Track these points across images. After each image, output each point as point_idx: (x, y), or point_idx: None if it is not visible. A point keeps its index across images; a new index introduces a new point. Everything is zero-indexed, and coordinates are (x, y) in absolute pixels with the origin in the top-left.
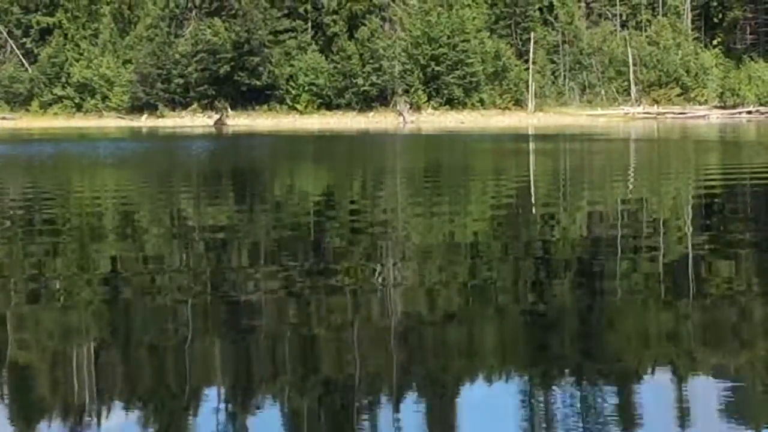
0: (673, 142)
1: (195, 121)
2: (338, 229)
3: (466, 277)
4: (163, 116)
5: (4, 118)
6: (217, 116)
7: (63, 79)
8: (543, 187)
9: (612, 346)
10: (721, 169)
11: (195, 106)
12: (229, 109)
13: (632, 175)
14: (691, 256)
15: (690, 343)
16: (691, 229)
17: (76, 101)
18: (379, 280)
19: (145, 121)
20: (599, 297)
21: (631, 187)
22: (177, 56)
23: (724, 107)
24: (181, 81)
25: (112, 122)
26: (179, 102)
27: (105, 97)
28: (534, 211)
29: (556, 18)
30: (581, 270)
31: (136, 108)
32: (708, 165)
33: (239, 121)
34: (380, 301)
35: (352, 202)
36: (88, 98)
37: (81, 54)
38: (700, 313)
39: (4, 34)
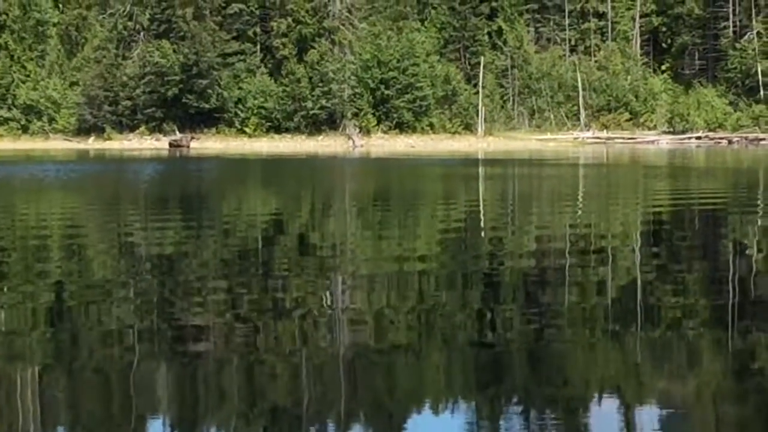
0: (622, 168)
1: (143, 144)
2: (286, 254)
3: (413, 304)
4: (110, 138)
5: None
6: (176, 138)
7: (9, 101)
8: (492, 212)
9: (559, 372)
10: (669, 194)
11: (143, 128)
12: (191, 134)
13: (581, 200)
14: (639, 282)
15: (637, 370)
16: (638, 255)
17: (22, 123)
18: (327, 305)
19: (92, 144)
20: (547, 323)
21: (580, 212)
22: (125, 78)
23: (673, 132)
24: (129, 103)
25: (58, 144)
26: (127, 124)
27: (52, 119)
28: (483, 236)
29: (504, 42)
30: (529, 296)
31: (83, 130)
32: (657, 190)
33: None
34: (328, 327)
35: (301, 227)
36: (35, 120)
37: (27, 75)
38: (646, 340)
39: None
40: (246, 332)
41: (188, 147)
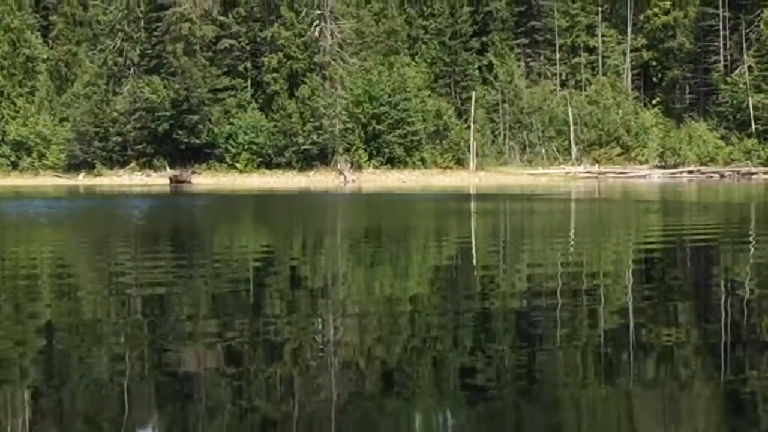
0: (614, 202)
1: (133, 180)
2: (277, 292)
3: (404, 342)
4: (100, 174)
5: None
6: (177, 173)
7: None
8: (484, 248)
9: (552, 414)
10: (661, 229)
11: (133, 164)
12: (191, 168)
13: (573, 236)
14: (631, 319)
15: (629, 410)
16: (630, 292)
17: (12, 159)
18: (317, 344)
19: (82, 180)
20: (539, 362)
21: (572, 248)
22: (115, 114)
23: (665, 167)
24: (119, 139)
25: (48, 181)
26: (117, 160)
27: (41, 156)
28: (475, 273)
29: (495, 77)
30: (521, 334)
31: (73, 166)
32: (649, 225)
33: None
34: (318, 366)
35: (292, 264)
36: (25, 156)
37: (17, 112)
38: (639, 378)
39: None
40: (236, 371)
41: (190, 182)
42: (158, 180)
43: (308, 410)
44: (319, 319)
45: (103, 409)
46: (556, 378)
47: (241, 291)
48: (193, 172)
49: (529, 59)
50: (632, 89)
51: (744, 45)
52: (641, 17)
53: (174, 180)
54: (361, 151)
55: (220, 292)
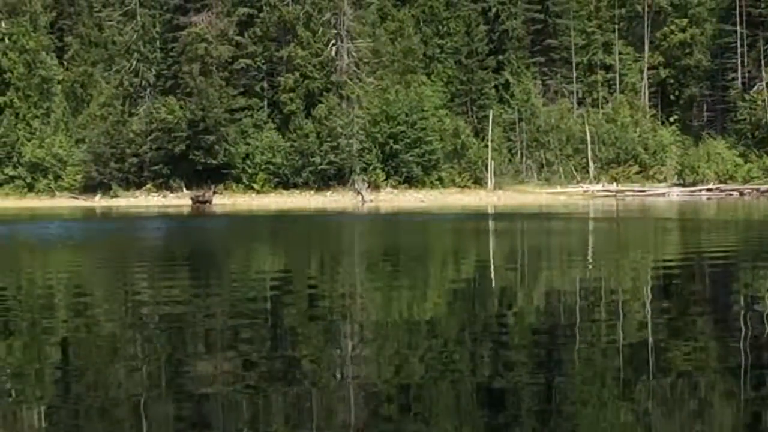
0: (633, 221)
1: (150, 201)
2: (295, 312)
3: (424, 360)
4: (117, 196)
5: None
6: (199, 193)
7: (14, 159)
8: (503, 267)
9: (569, 423)
10: (680, 248)
11: (149, 185)
12: (212, 188)
13: (592, 255)
14: (649, 337)
15: (648, 422)
16: (649, 311)
17: (28, 181)
18: (337, 363)
19: (98, 201)
20: (557, 379)
21: (590, 267)
22: (131, 135)
23: (683, 185)
24: (136, 160)
25: (64, 202)
26: (133, 181)
27: (57, 177)
28: (493, 292)
29: (512, 96)
30: (540, 352)
31: (90, 188)
32: (668, 244)
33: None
34: (337, 386)
35: (310, 284)
36: (41, 178)
37: (33, 133)
38: (658, 396)
39: None
40: (254, 392)
41: (211, 202)
42: (175, 201)
43: (327, 422)
44: (338, 340)
45: (118, 429)
46: (575, 400)
47: (258, 309)
48: (215, 192)
49: (545, 77)
50: (650, 107)
51: (762, 62)
52: (658, 35)
53: (195, 200)
54: (378, 171)
55: (237, 312)
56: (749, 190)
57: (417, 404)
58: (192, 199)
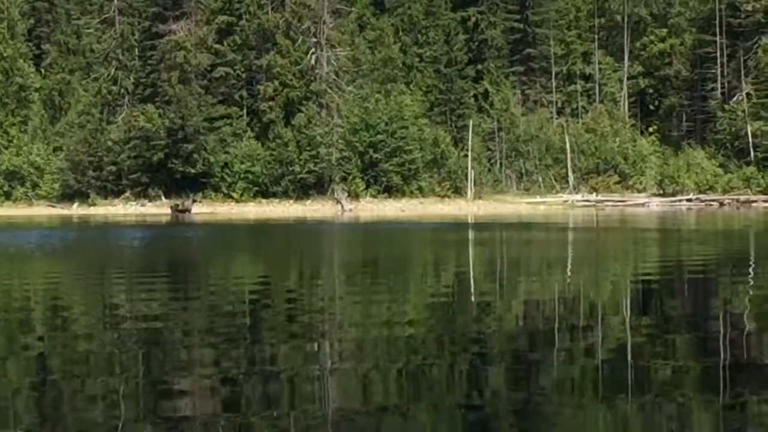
0: (612, 231)
1: (128, 209)
2: (273, 321)
3: (401, 369)
4: (95, 204)
5: None
6: (179, 201)
7: None
8: (482, 278)
9: None
10: (659, 259)
11: (128, 193)
12: (192, 196)
13: (571, 265)
14: (628, 348)
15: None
16: (628, 322)
17: (5, 189)
18: (314, 372)
19: (76, 210)
20: (535, 389)
21: (569, 278)
22: (109, 143)
23: (663, 195)
24: (114, 168)
25: (42, 211)
26: (111, 190)
27: (35, 185)
28: (472, 303)
29: (491, 105)
30: (518, 363)
31: (67, 196)
32: (647, 255)
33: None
34: (315, 393)
35: (289, 293)
36: (18, 186)
37: (10, 141)
38: (636, 406)
39: None
40: (232, 406)
41: (191, 211)
42: (153, 209)
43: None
44: (316, 357)
45: None
46: (554, 417)
47: (237, 318)
48: (194, 201)
49: (524, 87)
50: (629, 117)
51: (741, 72)
52: (637, 44)
53: (175, 209)
54: (358, 180)
55: (215, 325)
56: (729, 201)
57: (397, 426)
58: (171, 207)
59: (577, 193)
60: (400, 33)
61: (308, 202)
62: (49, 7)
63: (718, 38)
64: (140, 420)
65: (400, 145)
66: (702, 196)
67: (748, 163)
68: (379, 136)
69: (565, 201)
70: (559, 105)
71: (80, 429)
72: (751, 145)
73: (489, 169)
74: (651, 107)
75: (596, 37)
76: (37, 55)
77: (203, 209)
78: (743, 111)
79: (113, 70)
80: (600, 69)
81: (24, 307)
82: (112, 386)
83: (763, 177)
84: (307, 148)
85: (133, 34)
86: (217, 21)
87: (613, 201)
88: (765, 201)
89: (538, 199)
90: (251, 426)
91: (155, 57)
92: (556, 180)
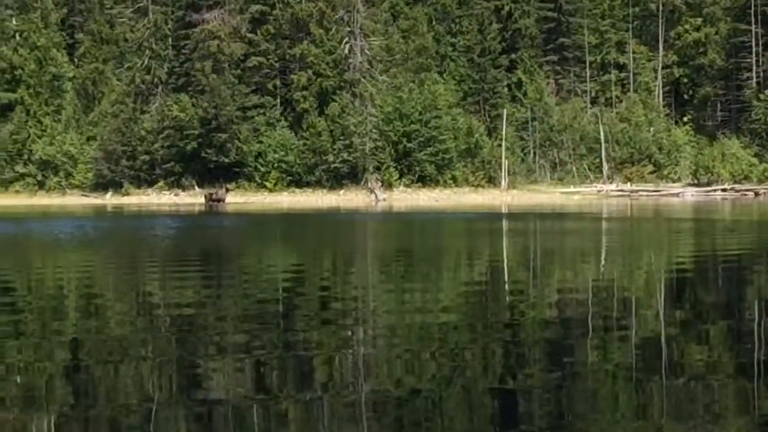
0: (647, 221)
1: (161, 199)
2: (308, 313)
3: (435, 364)
4: (128, 194)
5: None
6: (213, 190)
7: (25, 156)
8: (515, 267)
9: (582, 425)
10: (694, 249)
11: (161, 183)
12: (225, 186)
13: (606, 255)
14: (662, 337)
15: (660, 420)
16: (662, 311)
17: (39, 179)
18: (348, 365)
19: (109, 199)
20: (569, 375)
21: (604, 268)
22: (143, 132)
23: (698, 185)
24: (147, 158)
25: (75, 200)
26: (145, 179)
27: (68, 175)
28: (506, 294)
29: (524, 94)
30: (551, 357)
31: (101, 185)
32: (682, 244)
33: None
34: (350, 380)
35: (323, 282)
36: (51, 176)
37: (44, 130)
38: (671, 399)
39: None
40: (266, 394)
41: (224, 200)
42: (187, 199)
43: (338, 416)
44: (350, 343)
45: (130, 423)
46: (589, 403)
47: (270, 306)
48: (228, 190)
49: (558, 76)
50: (663, 106)
51: None
52: (672, 34)
53: (209, 198)
54: (391, 170)
55: (249, 311)
56: (764, 190)
57: (430, 410)
58: (205, 197)
59: (611, 183)
60: (434, 22)
61: (342, 191)
62: None
63: (753, 27)
64: (173, 403)
65: (433, 134)
66: (737, 186)
67: None
68: (413, 126)
69: (599, 191)
70: (593, 94)
71: (114, 412)
72: None
73: (522, 159)
74: (685, 97)
75: (630, 26)
76: (70, 44)
77: (236, 199)
78: None
79: (147, 59)
80: (634, 58)
81: (58, 295)
82: (146, 370)
83: None
84: (341, 138)
85: (167, 24)
86: (250, 10)
87: (647, 191)
88: None
89: (572, 189)
90: (284, 409)
91: (189, 46)
92: (590, 170)
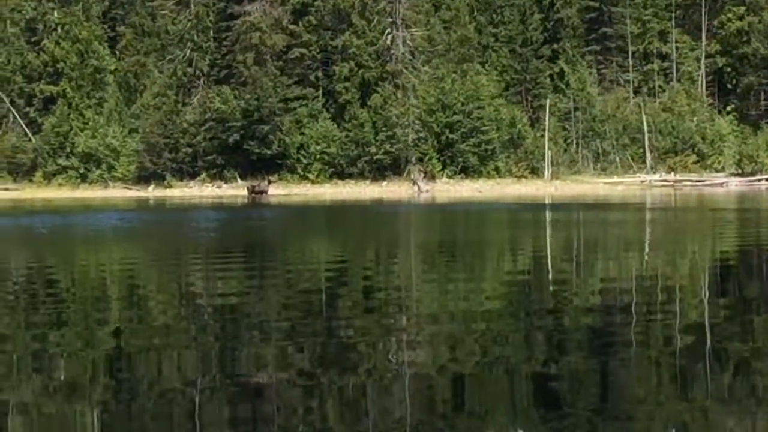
0: (691, 211)
1: (203, 191)
2: (350, 301)
3: (478, 356)
4: (170, 186)
5: (6, 189)
6: (256, 182)
7: (67, 149)
8: (559, 257)
9: (625, 409)
10: (740, 240)
11: (203, 175)
12: (268, 178)
13: (650, 245)
14: (707, 329)
15: (704, 406)
16: (707, 302)
17: (81, 171)
18: (391, 357)
19: (152, 192)
20: (612, 370)
21: (648, 258)
22: (185, 125)
23: (742, 174)
24: (189, 150)
25: (118, 193)
26: (187, 172)
27: (111, 167)
28: (550, 286)
29: (567, 85)
30: (595, 343)
31: (143, 178)
32: (726, 235)
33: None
34: (392, 380)
35: (366, 273)
36: (94, 168)
37: (86, 123)
38: (715, 390)
39: (7, 103)
40: (308, 385)
41: (267, 192)
42: (229, 191)
43: (381, 428)
44: (393, 331)
45: (172, 423)
46: (631, 392)
47: (313, 298)
48: (270, 182)
49: (600, 66)
50: (707, 96)
51: None
52: (715, 23)
53: (252, 191)
54: (434, 161)
55: (292, 301)
56: None
57: (472, 396)
58: (248, 189)
59: (654, 173)
60: (475, 12)
61: (384, 183)
62: None
63: None
64: (217, 389)
65: (476, 125)
66: None
67: None
68: (456, 117)
69: (643, 181)
70: (636, 84)
71: (157, 402)
72: None
73: (565, 150)
74: (729, 86)
75: (673, 15)
76: (112, 37)
77: (279, 191)
78: None
79: (188, 51)
80: (677, 48)
81: (101, 286)
82: (189, 358)
83: None
84: (383, 129)
85: (208, 16)
86: (292, 1)
87: (691, 181)
88: None
89: (616, 179)
90: (328, 394)
91: (230, 38)
92: (633, 160)
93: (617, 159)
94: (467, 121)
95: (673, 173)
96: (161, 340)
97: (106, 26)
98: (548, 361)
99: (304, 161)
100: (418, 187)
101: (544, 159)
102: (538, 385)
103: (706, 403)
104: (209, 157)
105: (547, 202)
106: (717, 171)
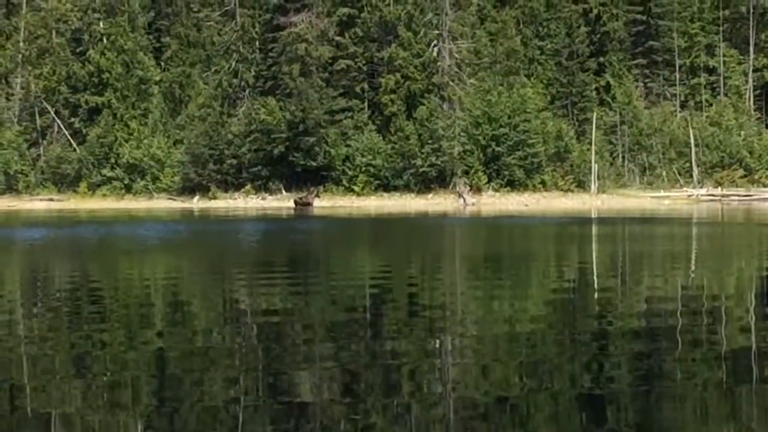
0: (738, 226)
1: (248, 203)
2: (395, 315)
3: (523, 369)
4: (215, 197)
5: (51, 200)
6: (302, 195)
7: (112, 160)
8: (604, 273)
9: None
10: None
11: (248, 187)
12: (314, 190)
13: (696, 261)
14: (754, 344)
15: (750, 424)
16: (754, 318)
17: (126, 182)
18: (436, 369)
19: (196, 203)
20: (658, 390)
21: (694, 274)
22: (230, 136)
23: None
24: (234, 161)
25: (162, 204)
26: (232, 183)
27: (155, 178)
28: (595, 301)
29: (613, 98)
30: (640, 362)
31: (188, 189)
32: None
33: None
34: (436, 393)
35: (410, 287)
36: (138, 179)
37: (130, 134)
38: (762, 409)
39: (52, 113)
40: (352, 399)
41: (312, 205)
42: (274, 203)
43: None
44: (437, 350)
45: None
46: (677, 412)
47: (357, 311)
48: (317, 195)
49: (647, 80)
50: (754, 110)
51: None
52: (763, 37)
53: (298, 203)
54: (480, 174)
55: (336, 318)
56: None
57: (516, 418)
58: (295, 201)
59: (701, 187)
60: (521, 25)
61: (430, 195)
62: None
63: None
64: (260, 408)
65: (522, 138)
66: None
67: None
68: (502, 129)
69: (690, 195)
70: (683, 98)
71: (200, 418)
72: None
73: (611, 163)
74: None
75: (720, 29)
76: (157, 48)
77: (324, 203)
78: None
79: (234, 62)
80: (724, 62)
81: (144, 301)
82: (233, 376)
83: None
84: (429, 141)
85: (254, 27)
86: (338, 13)
87: (738, 195)
88: None
89: (662, 193)
90: (371, 417)
91: (276, 49)
92: (679, 174)
93: (664, 173)
94: (513, 134)
95: (720, 188)
96: (204, 357)
97: (151, 37)
98: (592, 385)
99: (350, 173)
100: (464, 200)
101: (590, 172)
102: (583, 410)
103: (751, 424)
104: (254, 169)
105: (593, 216)
106: (765, 186)
